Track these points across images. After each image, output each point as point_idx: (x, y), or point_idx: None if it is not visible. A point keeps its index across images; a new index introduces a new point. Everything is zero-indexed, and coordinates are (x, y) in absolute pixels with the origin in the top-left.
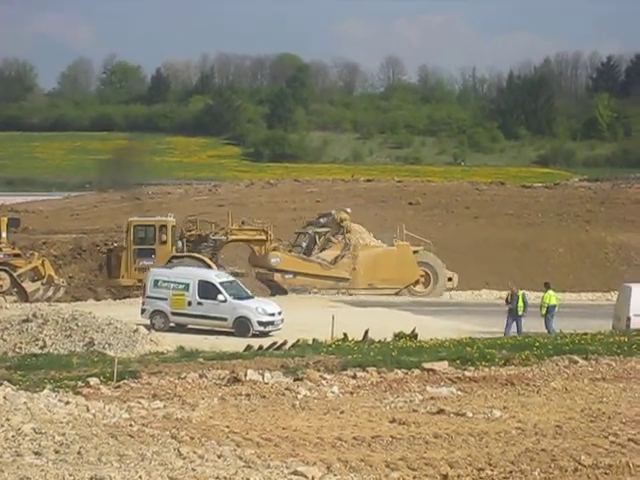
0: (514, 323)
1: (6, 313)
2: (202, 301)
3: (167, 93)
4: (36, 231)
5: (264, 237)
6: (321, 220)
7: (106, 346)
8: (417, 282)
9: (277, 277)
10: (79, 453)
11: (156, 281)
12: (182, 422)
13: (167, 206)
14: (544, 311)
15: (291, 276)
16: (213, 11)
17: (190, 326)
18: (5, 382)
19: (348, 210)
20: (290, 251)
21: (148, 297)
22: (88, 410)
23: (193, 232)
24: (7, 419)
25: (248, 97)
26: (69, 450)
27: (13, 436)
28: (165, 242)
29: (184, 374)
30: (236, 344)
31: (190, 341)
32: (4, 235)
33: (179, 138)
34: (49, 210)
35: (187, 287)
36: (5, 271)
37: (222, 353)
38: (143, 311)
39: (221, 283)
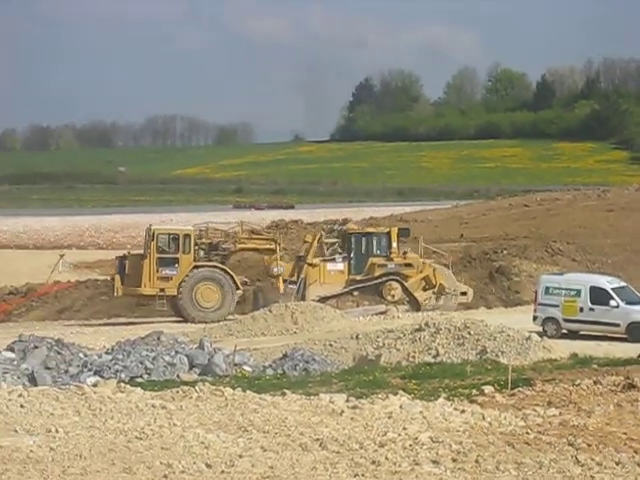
0: None
1: (399, 322)
2: (594, 307)
3: (552, 99)
4: (426, 240)
5: (273, 247)
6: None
7: (499, 354)
8: None
9: (280, 286)
10: (477, 461)
11: (547, 288)
12: (578, 429)
13: (554, 212)
14: None
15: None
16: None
17: (582, 332)
18: (400, 391)
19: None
20: None
21: (540, 304)
22: (484, 418)
23: (204, 240)
24: (404, 428)
25: (635, 101)
26: (467, 459)
27: (410, 445)
28: (188, 252)
29: (578, 381)
30: (630, 350)
31: (583, 347)
32: (395, 245)
33: (565, 144)
34: (438, 219)
35: (579, 293)
36: (397, 281)
37: (616, 359)
38: (535, 318)
39: (613, 289)
